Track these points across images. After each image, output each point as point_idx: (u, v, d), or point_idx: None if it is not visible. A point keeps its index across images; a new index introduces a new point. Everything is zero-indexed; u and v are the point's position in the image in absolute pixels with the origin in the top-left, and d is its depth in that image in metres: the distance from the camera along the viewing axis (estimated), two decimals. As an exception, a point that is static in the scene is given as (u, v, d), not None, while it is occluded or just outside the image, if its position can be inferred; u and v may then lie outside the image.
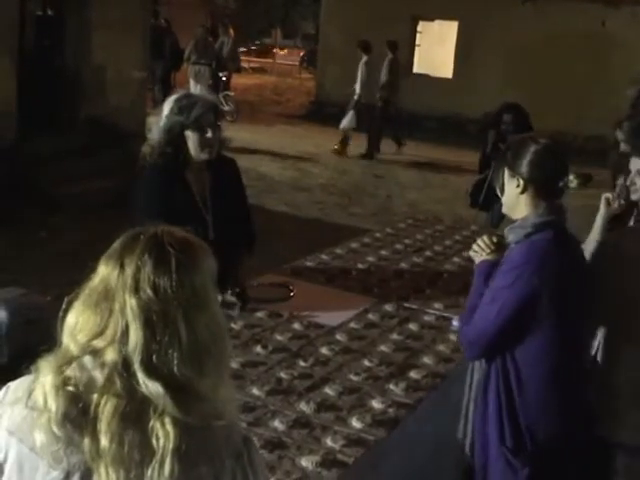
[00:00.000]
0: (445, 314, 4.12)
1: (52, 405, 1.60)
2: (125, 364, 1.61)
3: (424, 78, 20.22)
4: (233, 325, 3.75)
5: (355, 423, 2.95)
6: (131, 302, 1.62)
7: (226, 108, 16.51)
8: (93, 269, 1.71)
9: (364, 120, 15.40)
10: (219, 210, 4.04)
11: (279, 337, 3.68)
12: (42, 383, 1.64)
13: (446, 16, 19.92)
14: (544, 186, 2.93)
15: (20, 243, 8.10)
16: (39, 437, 1.60)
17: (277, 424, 2.88)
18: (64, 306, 1.71)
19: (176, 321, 1.62)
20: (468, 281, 4.57)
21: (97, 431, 1.58)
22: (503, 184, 3.02)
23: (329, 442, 2.80)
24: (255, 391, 3.12)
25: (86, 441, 1.58)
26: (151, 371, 1.61)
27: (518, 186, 2.94)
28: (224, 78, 18.08)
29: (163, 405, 1.59)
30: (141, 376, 1.60)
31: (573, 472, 2.96)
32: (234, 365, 3.32)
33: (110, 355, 1.62)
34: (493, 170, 8.54)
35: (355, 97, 15.48)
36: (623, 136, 5.64)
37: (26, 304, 3.11)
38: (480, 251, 3.16)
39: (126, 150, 10.40)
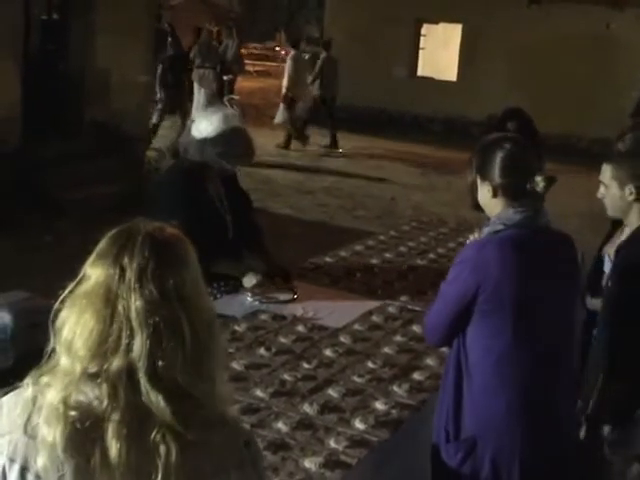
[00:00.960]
0: (449, 316, 4.12)
1: (56, 432, 1.53)
2: (129, 373, 1.55)
3: (428, 81, 20.24)
4: (237, 327, 3.76)
5: (358, 424, 2.96)
6: (136, 305, 1.55)
7: (230, 112, 16.53)
8: (79, 273, 1.63)
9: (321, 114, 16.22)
10: (235, 210, 4.18)
11: (283, 339, 3.68)
12: (41, 407, 1.57)
13: (450, 19, 19.93)
14: (513, 189, 2.97)
15: (24, 247, 8.12)
16: (42, 463, 1.54)
17: (281, 425, 2.89)
18: (51, 316, 1.62)
19: (181, 323, 1.57)
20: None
21: (105, 447, 1.53)
22: (475, 187, 3.08)
23: (332, 443, 2.80)
24: (259, 393, 3.13)
25: (96, 457, 1.53)
26: (155, 381, 1.55)
27: (489, 191, 3.01)
28: (229, 81, 18.12)
29: (163, 418, 1.54)
30: (144, 386, 1.55)
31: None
32: (238, 367, 3.33)
33: (115, 364, 1.55)
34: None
35: (283, 91, 16.14)
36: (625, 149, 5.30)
37: (31, 308, 3.13)
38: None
39: (131, 154, 10.45)
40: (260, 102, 23.25)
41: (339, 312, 4.07)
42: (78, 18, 10.73)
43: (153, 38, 12.32)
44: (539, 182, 2.90)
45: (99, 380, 1.56)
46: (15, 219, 8.54)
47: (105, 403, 1.55)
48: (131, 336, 1.55)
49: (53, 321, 1.61)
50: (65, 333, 1.59)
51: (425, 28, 20.88)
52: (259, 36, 37.88)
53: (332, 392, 3.20)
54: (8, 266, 7.15)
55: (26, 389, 1.61)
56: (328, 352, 3.58)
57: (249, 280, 4.10)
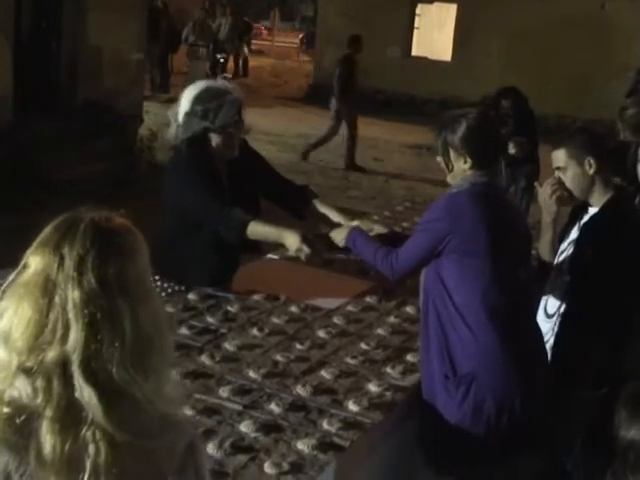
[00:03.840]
0: (442, 297, 4.10)
1: None
2: (64, 366, 1.49)
3: (423, 61, 20.17)
4: (229, 308, 3.74)
5: (351, 406, 2.95)
6: (73, 295, 1.49)
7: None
8: (20, 260, 1.57)
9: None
10: (236, 191, 3.97)
11: (276, 320, 3.67)
12: None
13: (445, -2, 19.85)
14: (480, 157, 3.26)
15: (17, 227, 8.07)
16: None
17: (273, 407, 2.88)
18: None
19: (121, 316, 1.50)
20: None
21: (40, 443, 1.47)
22: (449, 160, 3.32)
23: (325, 425, 2.79)
24: (251, 374, 3.12)
25: (30, 454, 1.48)
26: (88, 375, 1.48)
27: (465, 162, 3.26)
28: (222, 60, 18.05)
29: (94, 416, 1.48)
30: (78, 379, 1.48)
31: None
32: (231, 348, 3.32)
33: (49, 356, 1.49)
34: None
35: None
36: (627, 123, 5.09)
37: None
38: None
39: (124, 133, 10.40)
40: (253, 81, 23.18)
41: (332, 293, 4.06)
42: (70, -4, 10.65)
43: (146, 16, 12.23)
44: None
45: (34, 373, 1.50)
46: (7, 199, 8.49)
47: (39, 398, 1.49)
48: (66, 327, 1.49)
49: None
50: (3, 324, 1.53)
51: (419, 8, 20.79)
52: (253, 15, 37.67)
53: (325, 374, 3.19)
54: (1, 245, 7.12)
55: None
56: (321, 333, 3.57)
57: (293, 240, 3.84)
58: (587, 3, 17.48)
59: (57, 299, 1.50)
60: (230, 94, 3.88)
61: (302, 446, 2.64)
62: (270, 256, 4.50)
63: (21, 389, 1.50)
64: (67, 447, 1.47)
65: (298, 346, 3.42)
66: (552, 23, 17.57)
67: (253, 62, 27.34)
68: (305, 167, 12.66)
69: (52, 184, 9.13)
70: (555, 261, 3.63)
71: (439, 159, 3.34)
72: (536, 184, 3.92)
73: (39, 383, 1.49)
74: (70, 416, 1.48)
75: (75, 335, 1.49)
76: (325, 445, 2.66)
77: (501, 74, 15.57)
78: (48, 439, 1.47)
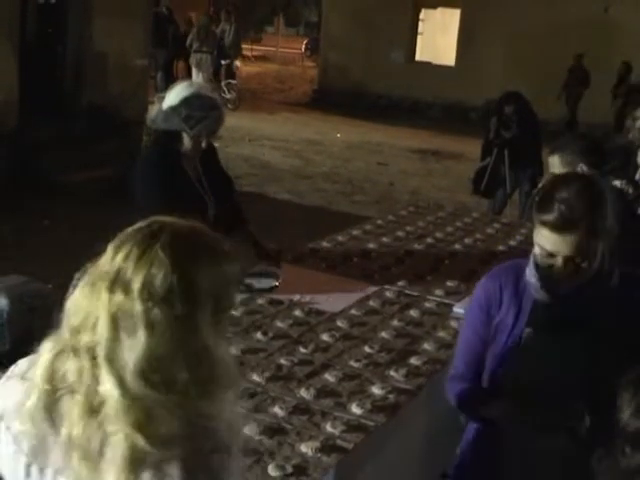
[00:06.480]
0: (446, 301, 4.12)
1: (33, 401, 1.57)
2: (94, 352, 1.54)
3: (426, 66, 20.20)
4: (233, 312, 3.75)
5: (355, 409, 2.95)
6: (104, 295, 1.54)
7: (227, 96, 16.52)
8: (81, 257, 1.63)
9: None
10: (216, 190, 4.14)
11: (280, 324, 3.68)
12: (32, 375, 1.61)
13: (448, 3, 19.89)
14: None
15: (22, 230, 8.11)
16: (17, 427, 1.59)
17: (277, 410, 2.89)
18: (72, 286, 1.64)
19: (136, 320, 1.52)
20: (469, 268, 4.60)
21: (71, 422, 1.53)
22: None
23: (329, 428, 2.80)
24: (255, 377, 3.13)
25: (63, 432, 1.54)
26: (112, 368, 1.52)
27: None
28: (235, 63, 18.09)
29: (116, 413, 1.51)
30: (103, 370, 1.52)
31: None
32: (235, 352, 3.33)
33: (84, 340, 1.56)
34: (495, 157, 8.60)
35: None
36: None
37: (27, 291, 3.11)
38: None
39: (128, 138, 10.41)
40: (258, 87, 23.23)
41: (336, 297, 4.07)
42: (76, 1, 10.68)
43: (151, 21, 12.27)
44: None
45: (72, 353, 1.57)
46: (12, 202, 8.52)
47: (72, 379, 1.56)
48: (97, 321, 1.55)
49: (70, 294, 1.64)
50: (68, 304, 1.62)
51: (423, 13, 20.83)
52: (257, 21, 37.70)
53: (329, 377, 3.19)
54: (5, 249, 7.14)
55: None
56: (325, 337, 3.58)
57: None
58: (590, 7, 17.50)
59: (97, 292, 1.57)
60: (217, 110, 4.00)
61: (306, 449, 2.65)
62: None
63: (64, 366, 1.58)
64: (91, 433, 1.52)
65: (302, 349, 3.43)
66: (556, 28, 17.60)
67: (257, 68, 27.42)
68: (309, 172, 12.68)
69: (56, 187, 9.16)
70: None
71: None
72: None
73: (73, 364, 1.56)
74: (95, 405, 1.53)
75: (101, 328, 1.53)
76: (329, 448, 2.67)
77: (504, 78, 15.59)
78: (76, 421, 1.53)
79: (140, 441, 1.50)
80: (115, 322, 1.53)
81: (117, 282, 1.54)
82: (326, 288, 4.17)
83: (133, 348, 1.52)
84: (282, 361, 3.29)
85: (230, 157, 10.46)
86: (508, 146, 8.45)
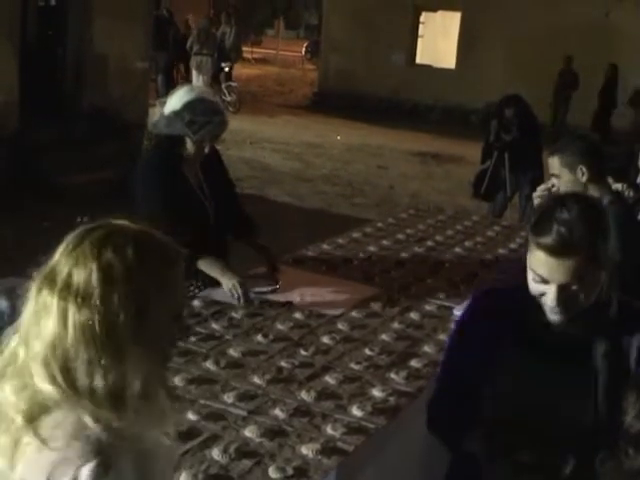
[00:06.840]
0: (446, 303, 4.12)
1: None
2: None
3: (427, 69, 20.22)
4: (234, 314, 3.75)
5: (355, 411, 2.95)
6: (36, 286, 1.63)
7: (228, 99, 16.53)
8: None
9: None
10: (216, 196, 4.13)
11: (280, 326, 3.68)
12: None
13: (449, 6, 19.91)
14: None
15: (22, 232, 8.11)
16: None
17: (278, 412, 2.88)
18: None
19: (48, 314, 1.61)
20: (469, 271, 4.60)
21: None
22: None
23: (329, 430, 2.80)
24: (256, 380, 3.12)
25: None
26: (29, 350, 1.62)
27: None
28: (227, 69, 18.08)
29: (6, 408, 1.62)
30: (21, 349, 1.64)
31: None
32: (235, 354, 3.32)
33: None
34: (495, 160, 8.61)
35: None
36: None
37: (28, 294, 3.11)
38: None
39: (128, 140, 10.41)
40: (258, 89, 23.24)
41: (336, 299, 4.07)
42: (76, 3, 10.70)
43: (152, 24, 12.28)
44: None
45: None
46: (13, 204, 8.52)
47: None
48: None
49: None
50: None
51: (424, 16, 20.85)
52: (258, 23, 37.71)
53: (329, 379, 3.19)
54: (5, 251, 7.14)
55: None
56: (325, 339, 3.58)
57: (227, 282, 3.87)
58: (591, 11, 17.52)
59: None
60: (220, 114, 4.00)
61: (306, 451, 2.65)
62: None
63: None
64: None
65: (302, 352, 3.43)
66: (556, 31, 17.62)
67: (258, 70, 27.44)
68: (309, 174, 12.69)
69: (57, 190, 9.16)
70: None
71: None
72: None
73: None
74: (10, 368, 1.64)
75: (27, 312, 1.66)
76: (329, 450, 2.67)
77: (505, 82, 15.58)
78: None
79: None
80: (37, 313, 1.60)
81: (48, 275, 1.61)
82: (326, 291, 4.16)
83: (40, 335, 1.58)
84: (283, 363, 3.29)
85: (231, 160, 10.44)
86: (508, 149, 8.46)
